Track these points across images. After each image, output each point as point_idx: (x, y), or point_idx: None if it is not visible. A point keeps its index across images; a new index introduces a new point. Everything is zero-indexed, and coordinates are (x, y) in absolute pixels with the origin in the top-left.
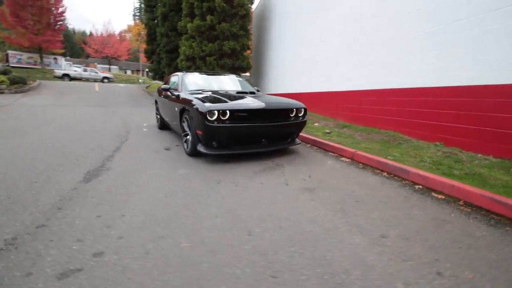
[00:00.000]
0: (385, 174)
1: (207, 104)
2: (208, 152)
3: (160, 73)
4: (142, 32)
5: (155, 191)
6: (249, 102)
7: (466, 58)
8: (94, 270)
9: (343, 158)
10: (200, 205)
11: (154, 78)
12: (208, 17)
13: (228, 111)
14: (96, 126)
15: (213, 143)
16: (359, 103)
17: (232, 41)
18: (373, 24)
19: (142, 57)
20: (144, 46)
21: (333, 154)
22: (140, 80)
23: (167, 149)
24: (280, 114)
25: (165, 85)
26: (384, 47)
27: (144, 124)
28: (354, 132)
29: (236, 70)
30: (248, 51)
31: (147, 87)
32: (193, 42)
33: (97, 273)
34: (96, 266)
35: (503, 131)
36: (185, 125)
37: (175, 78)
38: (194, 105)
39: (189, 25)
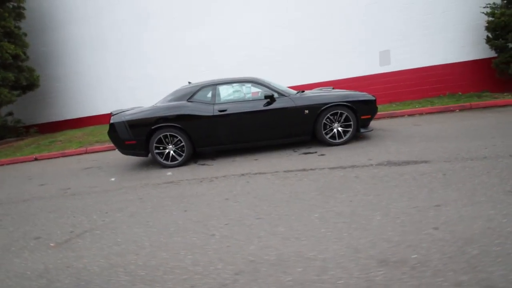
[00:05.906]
0: (395, 118)
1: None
2: (368, 130)
3: None
4: None
5: None
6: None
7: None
8: None
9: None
10: None
11: None
12: None
13: None
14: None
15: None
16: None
17: (11, 44)
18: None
19: None
20: None
21: None
22: None
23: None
24: None
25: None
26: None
27: (112, 179)
28: None
29: (22, 89)
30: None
31: None
32: None
33: None
34: None
35: (399, 90)
36: (326, 121)
37: (243, 88)
38: (358, 97)
39: None
